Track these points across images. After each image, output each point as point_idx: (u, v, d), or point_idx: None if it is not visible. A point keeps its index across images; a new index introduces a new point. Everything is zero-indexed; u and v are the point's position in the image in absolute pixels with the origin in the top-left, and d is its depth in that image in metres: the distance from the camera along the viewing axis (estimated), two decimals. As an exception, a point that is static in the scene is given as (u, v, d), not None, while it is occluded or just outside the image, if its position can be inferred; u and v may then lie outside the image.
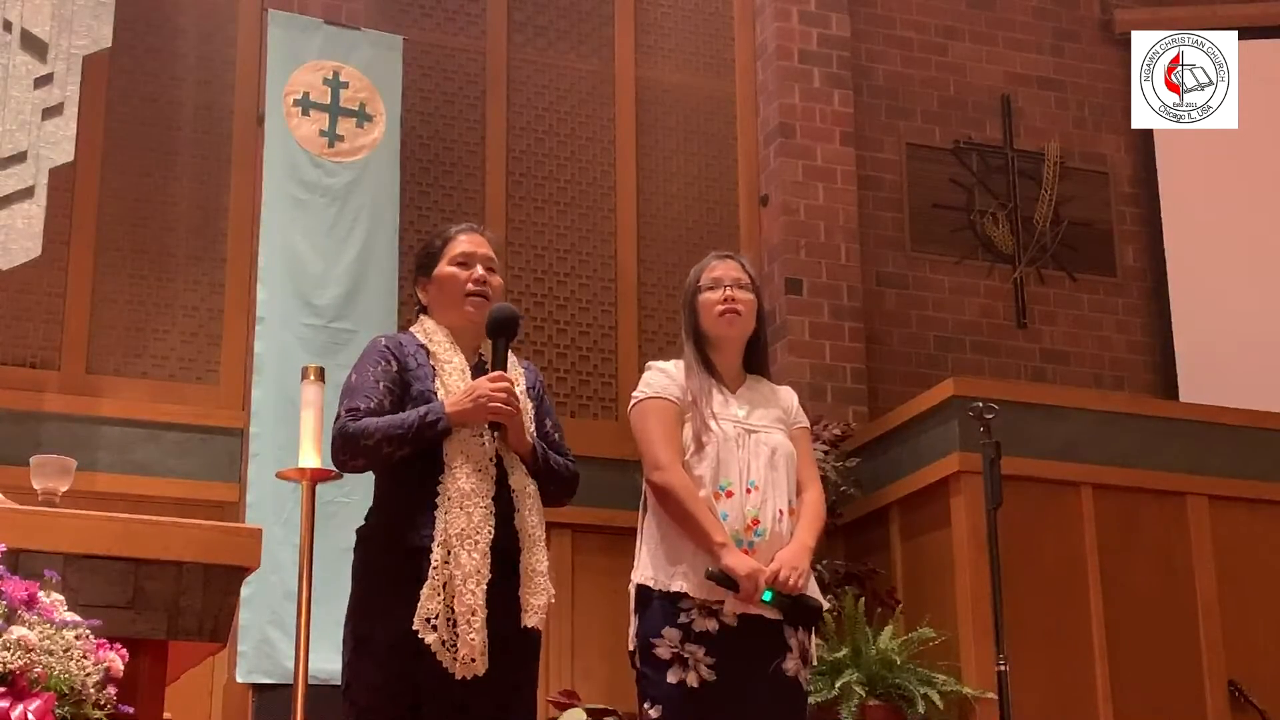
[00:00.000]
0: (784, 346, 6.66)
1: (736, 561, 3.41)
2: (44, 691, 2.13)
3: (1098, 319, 7.36)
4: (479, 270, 3.52)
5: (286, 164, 6.05)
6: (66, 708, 2.16)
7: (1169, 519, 5.83)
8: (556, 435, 3.55)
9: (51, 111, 5.65)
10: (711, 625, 3.44)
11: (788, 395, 3.79)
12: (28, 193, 5.54)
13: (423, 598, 3.19)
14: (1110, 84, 7.68)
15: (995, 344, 7.15)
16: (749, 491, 3.53)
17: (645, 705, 3.46)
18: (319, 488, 3.51)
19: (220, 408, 6.09)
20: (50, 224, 5.65)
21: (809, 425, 3.89)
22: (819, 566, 5.24)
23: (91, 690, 2.20)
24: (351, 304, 5.96)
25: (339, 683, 3.31)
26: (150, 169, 6.31)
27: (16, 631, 2.15)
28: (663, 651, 3.43)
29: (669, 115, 7.14)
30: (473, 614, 3.18)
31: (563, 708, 5.52)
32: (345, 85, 6.22)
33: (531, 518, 3.35)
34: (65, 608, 2.29)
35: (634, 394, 3.71)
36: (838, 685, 5.30)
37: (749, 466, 3.55)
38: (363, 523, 3.41)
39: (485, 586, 3.21)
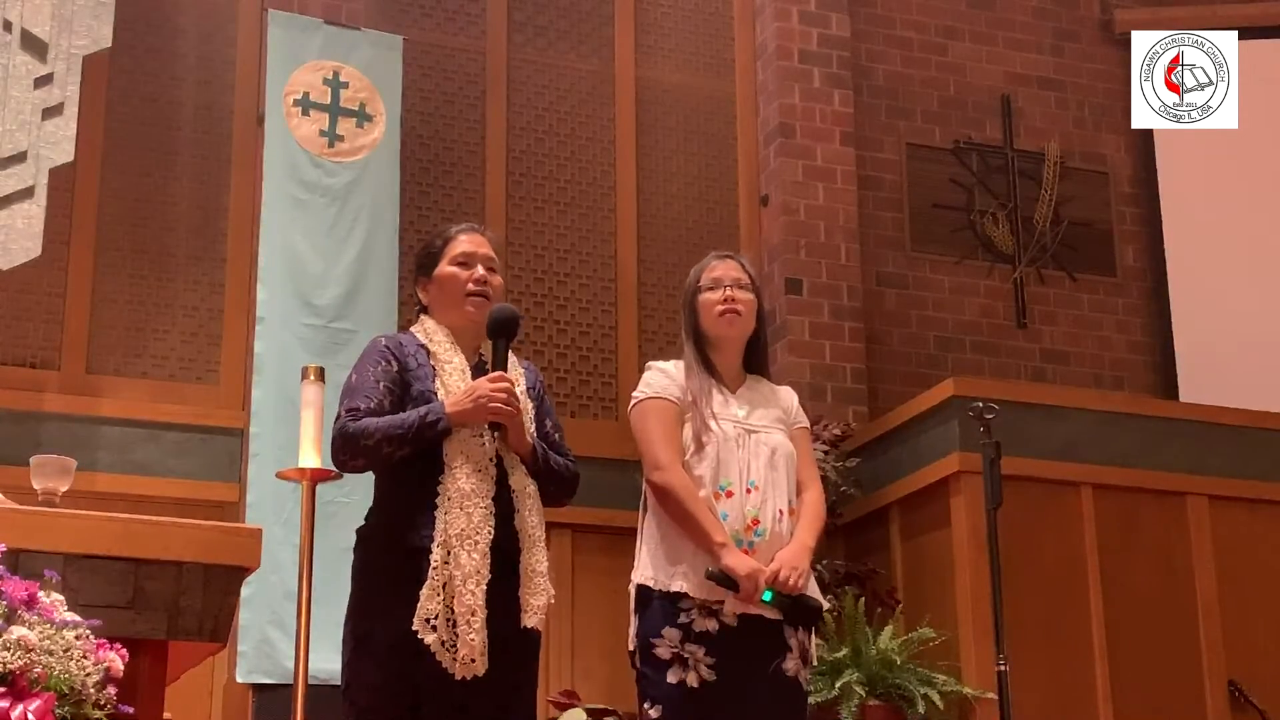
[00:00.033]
0: (784, 346, 6.66)
1: (736, 561, 3.41)
2: (44, 691, 2.13)
3: (1098, 319, 7.36)
4: (479, 270, 3.52)
5: (286, 164, 6.05)
6: (66, 708, 2.16)
7: (1169, 519, 5.83)
8: (557, 435, 3.55)
9: (51, 111, 5.65)
10: (711, 625, 3.44)
11: (788, 395, 3.79)
12: (28, 193, 5.54)
13: (422, 598, 3.19)
14: (1110, 84, 7.68)
15: (995, 344, 7.15)
16: (749, 491, 3.53)
17: (645, 705, 3.46)
18: (319, 488, 3.51)
19: (220, 408, 6.09)
20: (50, 224, 5.65)
21: (809, 425, 3.89)
22: (819, 566, 5.24)
23: (91, 690, 2.20)
24: (351, 304, 5.97)
25: (339, 683, 3.31)
26: (150, 169, 6.31)
27: (16, 631, 2.15)
28: (663, 651, 3.43)
29: (669, 115, 7.14)
30: (472, 614, 3.18)
31: (563, 708, 5.52)
32: (345, 85, 6.22)
33: (531, 518, 3.35)
34: (65, 608, 2.29)
35: (634, 394, 3.71)
36: (838, 685, 5.30)
37: (749, 466, 3.55)
38: (363, 523, 3.41)
39: (485, 587, 3.21)
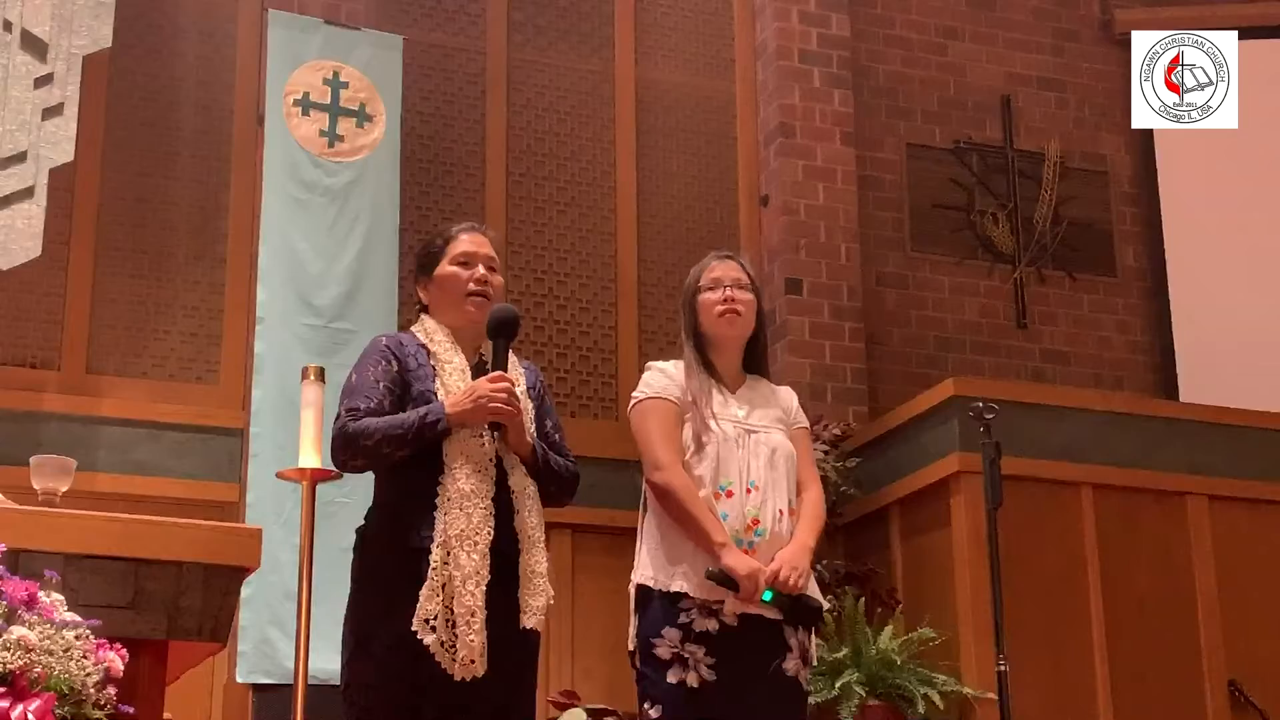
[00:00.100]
0: (784, 346, 6.66)
1: (737, 561, 3.41)
2: (44, 691, 2.13)
3: (1098, 319, 7.36)
4: (480, 270, 3.51)
5: (286, 164, 6.05)
6: (66, 708, 2.16)
7: (1169, 519, 5.83)
8: (557, 436, 3.55)
9: (51, 111, 5.65)
10: (711, 625, 3.44)
11: (787, 395, 3.79)
12: (28, 193, 5.54)
13: (422, 599, 3.19)
14: (1110, 84, 7.68)
15: (995, 344, 7.15)
16: (749, 491, 3.53)
17: (645, 705, 3.46)
18: (319, 488, 3.51)
19: (220, 408, 6.09)
20: (50, 224, 5.65)
21: (809, 425, 3.89)
22: (819, 566, 5.24)
23: (91, 690, 2.20)
24: (351, 304, 5.96)
25: (339, 683, 3.31)
26: (150, 169, 6.31)
27: (16, 631, 2.15)
28: (663, 651, 3.43)
29: (669, 115, 7.14)
30: (472, 615, 3.18)
31: (563, 708, 5.51)
32: (345, 85, 6.22)
33: (531, 519, 3.35)
34: (65, 608, 2.28)
35: (634, 394, 3.71)
36: (838, 685, 5.30)
37: (749, 466, 3.55)
38: (362, 523, 3.41)
39: (484, 588, 3.21)
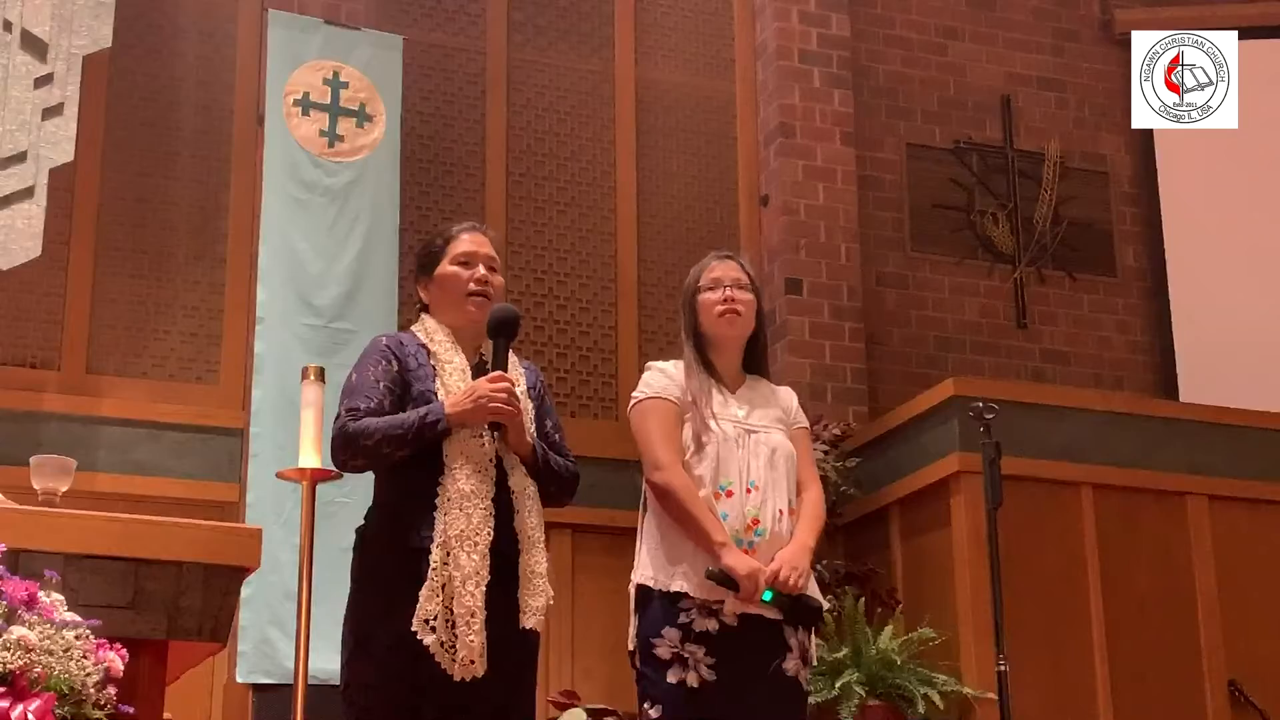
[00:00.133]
0: (784, 346, 6.66)
1: (737, 561, 3.41)
2: (44, 691, 2.13)
3: (1098, 319, 7.36)
4: (481, 270, 3.51)
5: (286, 164, 6.05)
6: (66, 708, 2.16)
7: (1169, 519, 5.83)
8: (557, 436, 3.55)
9: (51, 111, 5.65)
10: (711, 625, 3.44)
11: (787, 395, 3.79)
12: (28, 193, 5.54)
13: (421, 599, 3.18)
14: (1110, 84, 7.68)
15: (995, 344, 7.15)
16: (749, 491, 3.53)
17: (645, 705, 3.46)
18: (319, 488, 3.51)
19: (220, 408, 6.08)
20: (50, 224, 5.65)
21: (809, 425, 3.89)
22: (819, 566, 5.24)
23: (91, 690, 2.20)
24: (351, 304, 5.97)
25: (339, 683, 3.31)
26: (150, 169, 6.31)
27: (16, 631, 2.15)
28: (663, 651, 3.43)
29: (669, 115, 7.14)
30: (471, 616, 3.17)
31: (563, 708, 5.51)
32: (345, 85, 6.22)
33: (531, 519, 3.35)
34: (65, 608, 2.28)
35: (634, 394, 3.71)
36: (838, 685, 5.30)
37: (749, 466, 3.55)
38: (362, 523, 3.41)
39: (484, 588, 3.21)
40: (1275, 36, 7.61)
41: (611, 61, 7.11)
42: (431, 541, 3.23)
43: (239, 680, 5.51)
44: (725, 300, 3.66)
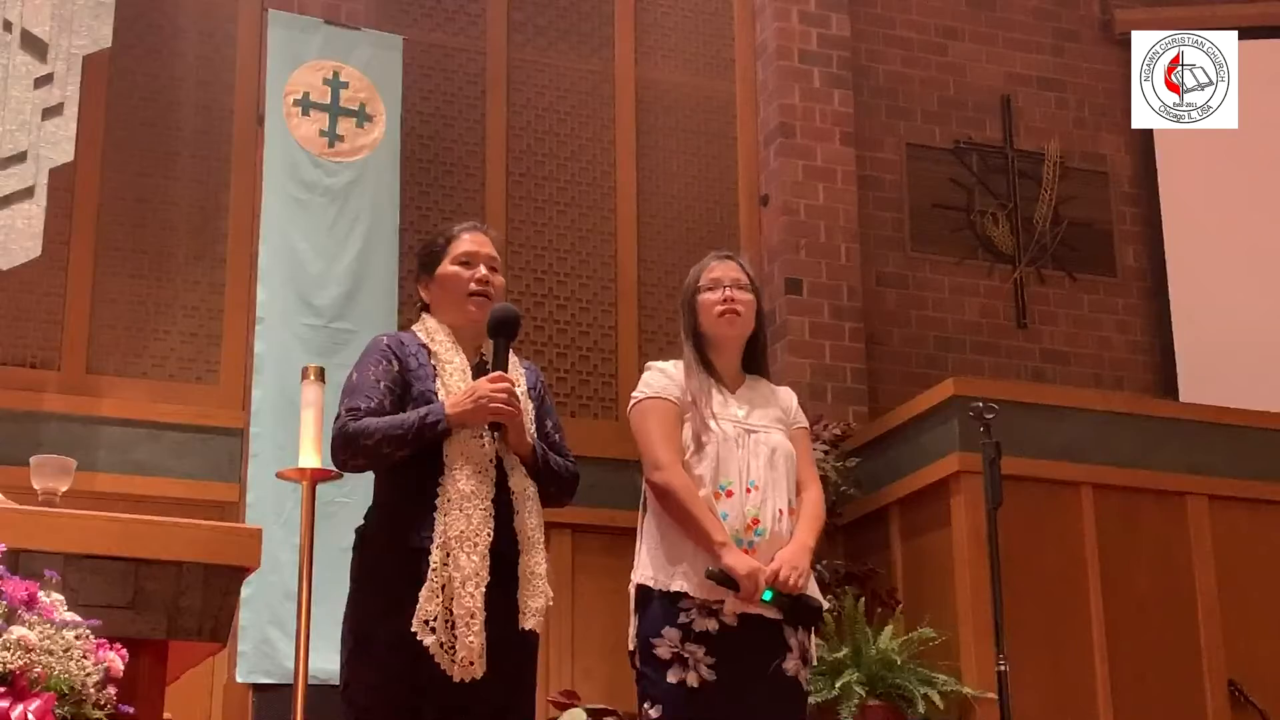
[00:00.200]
0: (784, 346, 6.66)
1: (737, 561, 3.41)
2: (44, 691, 2.13)
3: (1098, 319, 7.36)
4: (482, 270, 3.51)
5: (286, 164, 6.05)
6: (66, 708, 2.16)
7: (1169, 519, 5.83)
8: (557, 436, 3.55)
9: (51, 111, 5.65)
10: (711, 625, 3.44)
11: (787, 395, 3.79)
12: (28, 193, 5.54)
13: (421, 600, 3.18)
14: (1110, 84, 7.68)
15: (995, 344, 7.15)
16: (749, 491, 3.53)
17: (645, 705, 3.46)
18: (319, 488, 3.51)
19: (220, 408, 6.09)
20: (50, 224, 5.65)
21: (808, 425, 3.89)
22: (819, 566, 5.24)
23: (91, 690, 2.20)
24: (351, 304, 5.97)
25: (339, 683, 3.31)
26: (150, 169, 6.31)
27: (16, 631, 2.15)
28: (663, 651, 3.43)
29: (669, 115, 7.14)
30: (471, 617, 3.17)
31: (563, 708, 5.51)
32: (345, 85, 6.22)
33: (531, 520, 3.35)
34: (65, 608, 2.28)
35: (633, 394, 3.71)
36: (838, 685, 5.30)
37: (749, 466, 3.55)
38: (362, 522, 3.41)
39: (484, 589, 3.20)
40: (1275, 36, 7.62)
41: (611, 61, 7.11)
42: (431, 542, 3.23)
43: (239, 680, 5.52)
44: (725, 300, 3.66)
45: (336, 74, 6.21)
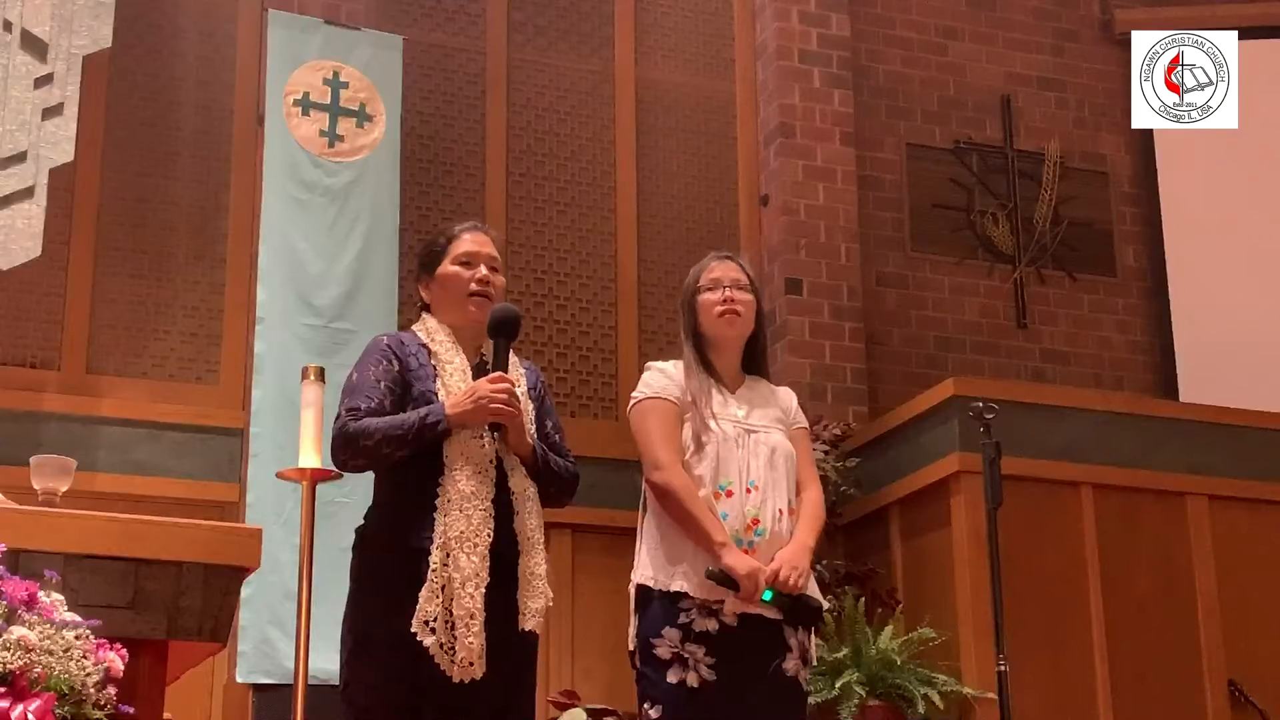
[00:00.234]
0: (784, 346, 6.66)
1: (737, 561, 3.41)
2: (44, 691, 2.13)
3: (1098, 319, 7.36)
4: (482, 270, 3.51)
5: (286, 164, 6.05)
6: (66, 708, 2.15)
7: (1169, 519, 5.83)
8: (557, 436, 3.55)
9: (51, 111, 5.65)
10: (711, 625, 3.44)
11: (786, 395, 3.80)
12: (28, 193, 5.54)
13: (421, 600, 3.18)
14: (1110, 84, 7.68)
15: (995, 344, 7.15)
16: (749, 491, 3.53)
17: (645, 705, 3.46)
18: (319, 488, 3.51)
19: (220, 408, 6.09)
20: (50, 224, 5.65)
21: (808, 426, 3.89)
22: (819, 566, 5.24)
23: (91, 690, 2.20)
24: (351, 304, 5.97)
25: (339, 683, 3.31)
26: (150, 169, 6.31)
27: (16, 631, 2.15)
28: (663, 651, 3.43)
29: (669, 115, 7.14)
30: (471, 618, 3.17)
31: (563, 708, 5.51)
32: (345, 85, 6.22)
33: (531, 520, 3.35)
34: (65, 608, 2.28)
35: (633, 394, 3.71)
36: (838, 685, 5.30)
37: (749, 466, 3.55)
38: (362, 522, 3.41)
39: (484, 590, 3.20)
40: (1275, 36, 7.62)
41: (611, 61, 7.11)
42: (431, 542, 3.23)
43: (239, 680, 5.52)
44: (725, 300, 3.66)
45: (336, 74, 6.21)
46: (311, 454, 3.47)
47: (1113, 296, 7.42)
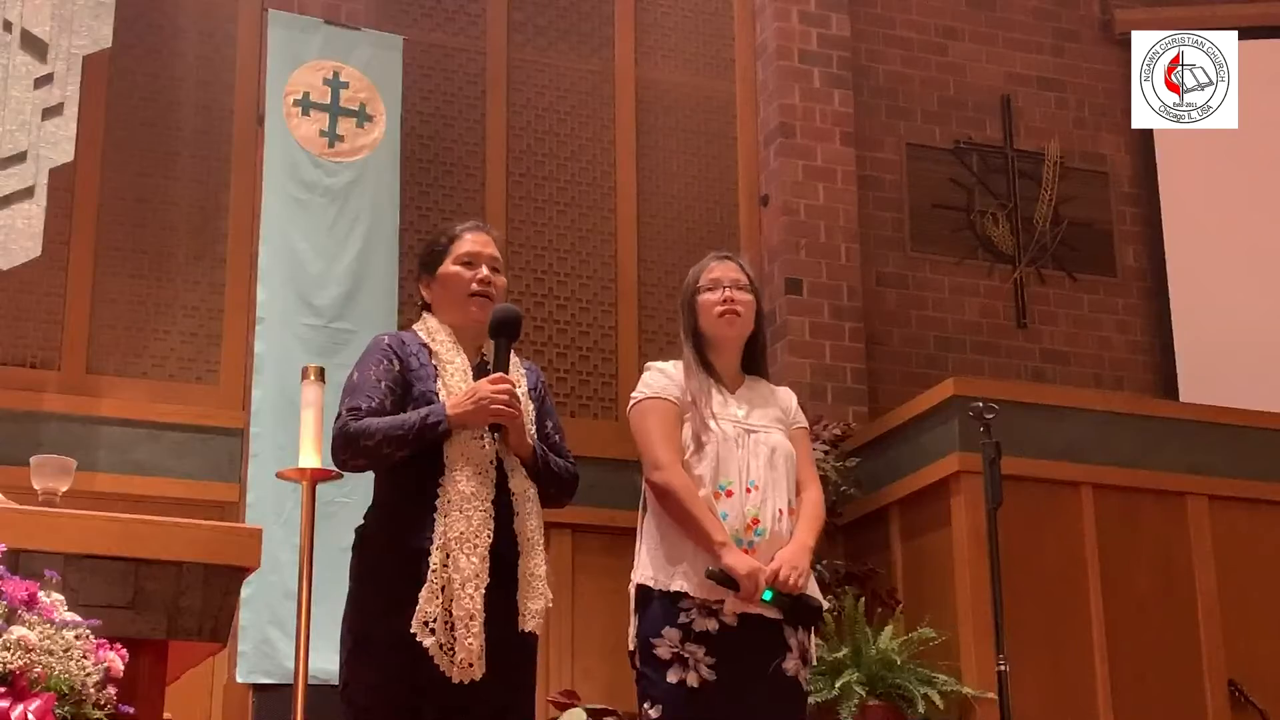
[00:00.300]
0: (784, 346, 6.66)
1: (737, 561, 3.41)
2: (44, 691, 2.13)
3: (1098, 319, 7.36)
4: (484, 270, 3.51)
5: (286, 164, 6.05)
6: (66, 708, 2.16)
7: (1169, 519, 5.83)
8: (557, 437, 3.54)
9: (51, 111, 5.65)
10: (711, 625, 3.44)
11: (786, 395, 3.80)
12: (28, 193, 5.54)
13: (421, 601, 3.18)
14: (1110, 84, 7.68)
15: (995, 344, 7.15)
16: (749, 491, 3.53)
17: (645, 705, 3.46)
18: (319, 488, 3.51)
19: (220, 408, 6.09)
20: (50, 224, 5.66)
21: (808, 426, 3.90)
22: (819, 566, 5.24)
23: (91, 690, 2.20)
24: (351, 304, 5.97)
25: (339, 683, 3.31)
26: (150, 169, 6.31)
27: (16, 631, 2.15)
28: (663, 651, 3.43)
29: (669, 115, 7.14)
30: (470, 619, 3.17)
31: (563, 708, 5.51)
32: (345, 85, 6.22)
33: (530, 521, 3.35)
34: (65, 608, 2.29)
35: (633, 394, 3.71)
36: (838, 685, 5.30)
37: (748, 466, 3.55)
38: (362, 522, 3.41)
39: (484, 591, 3.20)
40: (1275, 36, 7.62)
41: (611, 61, 7.11)
42: (431, 543, 3.22)
43: (239, 680, 5.52)
44: (724, 301, 3.66)
45: (336, 74, 6.21)
46: (311, 454, 3.47)
47: (1113, 296, 7.42)
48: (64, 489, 3.08)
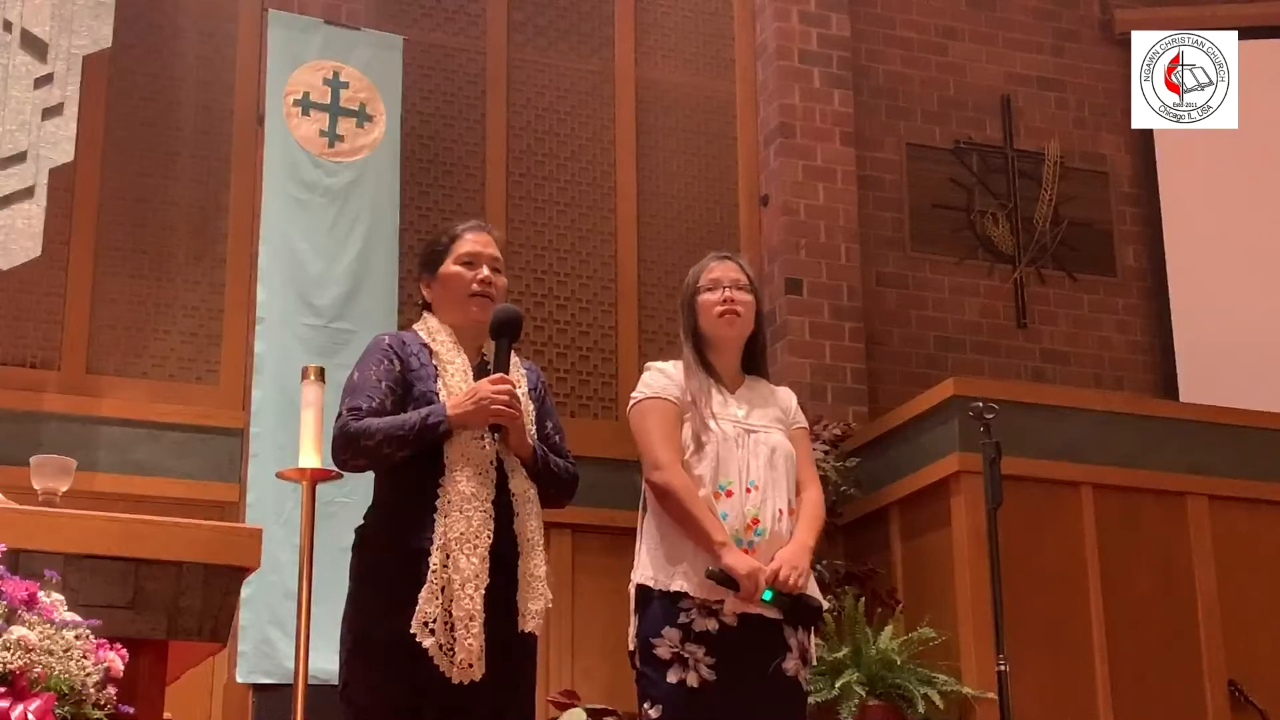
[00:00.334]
0: (784, 346, 6.66)
1: (737, 561, 3.41)
2: (44, 691, 2.13)
3: (1098, 319, 7.36)
4: (484, 271, 3.51)
5: (286, 164, 6.05)
6: (66, 708, 2.16)
7: (1169, 519, 5.83)
8: (557, 437, 3.54)
9: (51, 111, 5.65)
10: (711, 625, 3.44)
11: (786, 396, 3.80)
12: (28, 193, 5.54)
13: (421, 601, 3.18)
14: (1110, 84, 7.68)
15: (995, 344, 7.15)
16: (749, 491, 3.53)
17: (645, 705, 3.46)
18: (319, 488, 3.51)
19: (220, 408, 6.09)
20: (50, 224, 5.66)
21: (808, 426, 3.90)
22: (819, 566, 5.24)
23: (91, 690, 2.20)
24: (351, 304, 5.97)
25: (338, 683, 3.31)
26: (150, 169, 6.31)
27: (16, 631, 2.15)
28: (663, 651, 3.43)
29: (669, 115, 7.14)
30: (470, 619, 3.17)
31: (563, 708, 5.51)
32: (345, 85, 6.22)
33: (530, 522, 3.35)
34: (65, 608, 2.29)
35: (633, 394, 3.71)
36: (838, 685, 5.30)
37: (748, 466, 3.56)
38: (362, 522, 3.41)
39: (484, 591, 3.20)
40: (1275, 36, 7.62)
41: (611, 61, 7.11)
42: (431, 543, 3.22)
43: (239, 680, 5.52)
44: (724, 301, 3.66)
45: (336, 74, 6.21)
46: (311, 454, 3.47)
47: (1113, 296, 7.42)
48: (64, 489, 3.08)
